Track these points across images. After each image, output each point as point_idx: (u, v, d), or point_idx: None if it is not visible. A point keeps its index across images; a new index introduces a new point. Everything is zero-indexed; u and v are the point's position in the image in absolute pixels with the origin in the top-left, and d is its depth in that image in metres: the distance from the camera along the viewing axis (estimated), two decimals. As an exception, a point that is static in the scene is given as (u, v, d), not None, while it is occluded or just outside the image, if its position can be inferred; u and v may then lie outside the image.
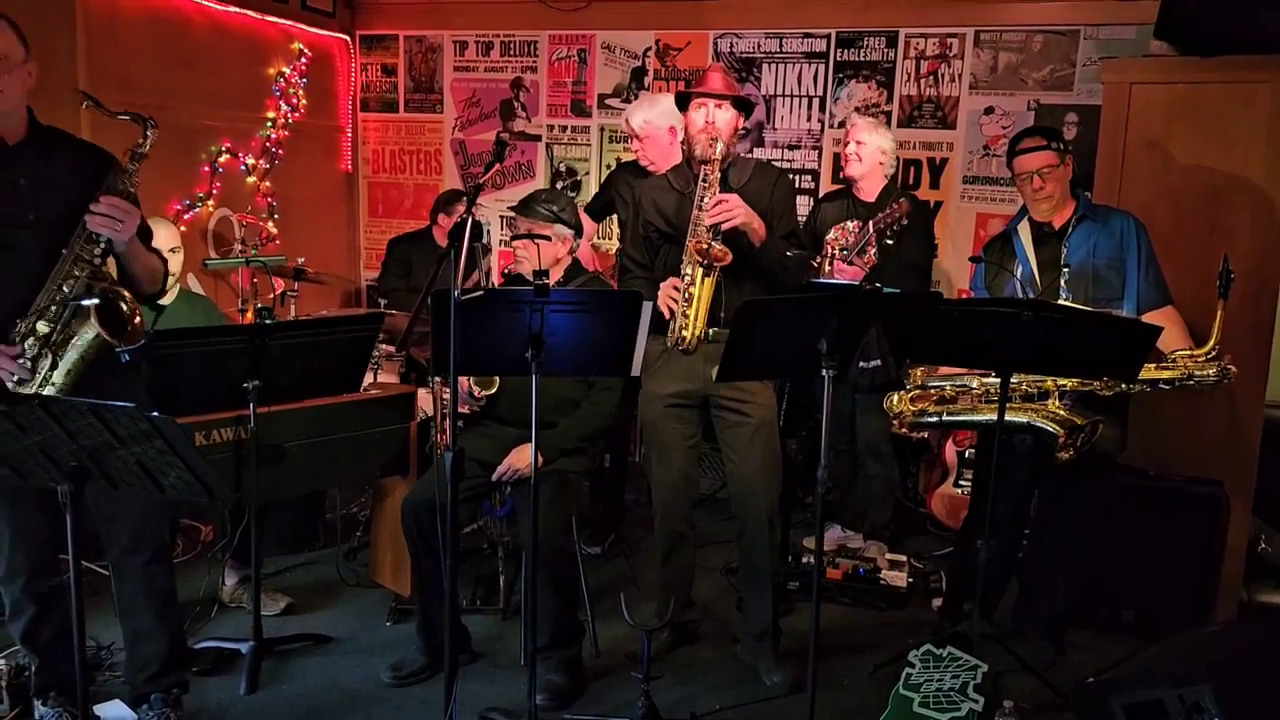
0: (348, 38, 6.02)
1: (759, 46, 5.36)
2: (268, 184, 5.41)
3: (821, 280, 4.07)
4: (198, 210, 4.96)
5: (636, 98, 5.34)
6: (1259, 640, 2.80)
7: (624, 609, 2.99)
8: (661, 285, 3.19)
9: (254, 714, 3.11)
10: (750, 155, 5.12)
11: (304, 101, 5.60)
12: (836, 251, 4.16)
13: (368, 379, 3.82)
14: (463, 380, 3.28)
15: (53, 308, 2.53)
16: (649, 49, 5.56)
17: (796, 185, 5.20)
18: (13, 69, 2.51)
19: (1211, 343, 3.08)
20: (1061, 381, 3.15)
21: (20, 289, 2.54)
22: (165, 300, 3.62)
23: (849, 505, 4.60)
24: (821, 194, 5.11)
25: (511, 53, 5.84)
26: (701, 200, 3.10)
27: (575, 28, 5.66)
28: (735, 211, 3.04)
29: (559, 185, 5.80)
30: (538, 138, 5.85)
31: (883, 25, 5.12)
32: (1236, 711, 2.40)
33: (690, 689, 3.30)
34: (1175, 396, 3.24)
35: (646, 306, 2.66)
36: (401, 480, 3.75)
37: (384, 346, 4.23)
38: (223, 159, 5.10)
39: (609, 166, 5.55)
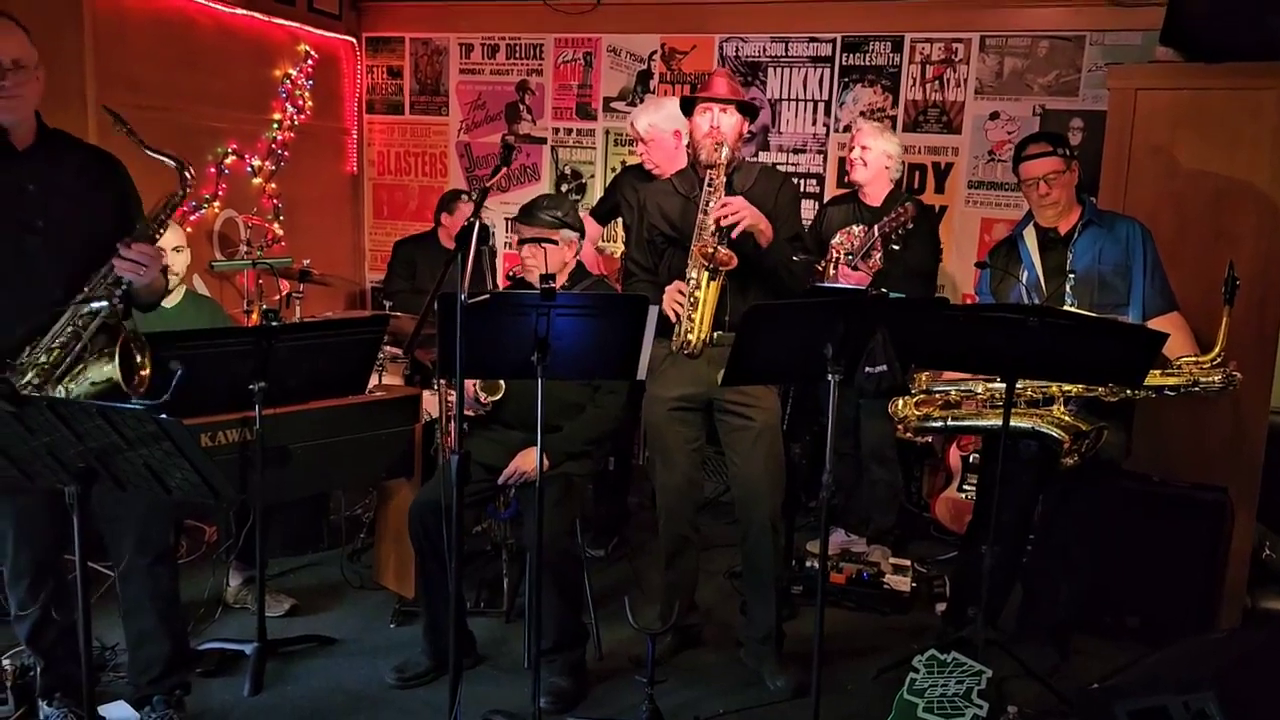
0: (354, 40, 6.03)
1: (764, 50, 5.36)
2: (273, 185, 5.42)
3: (826, 285, 4.08)
4: (203, 211, 4.97)
5: (642, 101, 5.36)
6: (1264, 647, 2.80)
7: (628, 612, 2.99)
8: (667, 289, 3.19)
9: (258, 715, 3.11)
10: (755, 159, 5.12)
11: (310, 103, 5.61)
12: (841, 256, 4.17)
13: (372, 381, 3.82)
14: (468, 385, 3.29)
15: (61, 340, 2.53)
16: (654, 52, 5.57)
17: (801, 189, 5.21)
18: (30, 74, 2.52)
19: (1217, 349, 3.08)
20: (1066, 387, 3.14)
21: (30, 295, 2.54)
22: (170, 302, 3.62)
23: (853, 509, 4.60)
24: (827, 198, 5.11)
25: (517, 55, 5.85)
26: (707, 204, 3.11)
27: (581, 31, 5.67)
28: (742, 214, 3.04)
29: (564, 188, 5.81)
30: (543, 140, 5.86)
31: (888, 30, 5.13)
32: (1241, 718, 2.40)
33: (694, 693, 3.30)
34: (1180, 402, 3.24)
35: (652, 311, 2.67)
36: (406, 482, 3.75)
37: (389, 348, 4.24)
38: (229, 160, 5.11)
39: (614, 170, 5.56)
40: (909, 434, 3.44)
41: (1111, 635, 3.72)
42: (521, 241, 3.33)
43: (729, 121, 3.20)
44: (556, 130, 5.83)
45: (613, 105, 5.68)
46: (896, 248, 4.02)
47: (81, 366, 2.54)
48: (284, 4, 5.45)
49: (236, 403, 3.00)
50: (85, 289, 2.55)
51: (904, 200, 4.13)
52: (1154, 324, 3.11)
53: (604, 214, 4.60)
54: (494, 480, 3.32)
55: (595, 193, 5.60)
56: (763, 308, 2.79)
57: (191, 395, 2.85)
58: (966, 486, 4.59)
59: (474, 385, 3.33)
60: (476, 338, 2.51)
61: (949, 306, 3.26)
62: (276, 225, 5.43)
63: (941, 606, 3.91)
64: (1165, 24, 3.78)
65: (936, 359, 3.20)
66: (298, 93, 5.53)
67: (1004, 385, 3.01)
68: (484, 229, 2.88)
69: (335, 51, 5.92)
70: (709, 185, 3.13)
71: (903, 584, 4.01)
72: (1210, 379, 3.07)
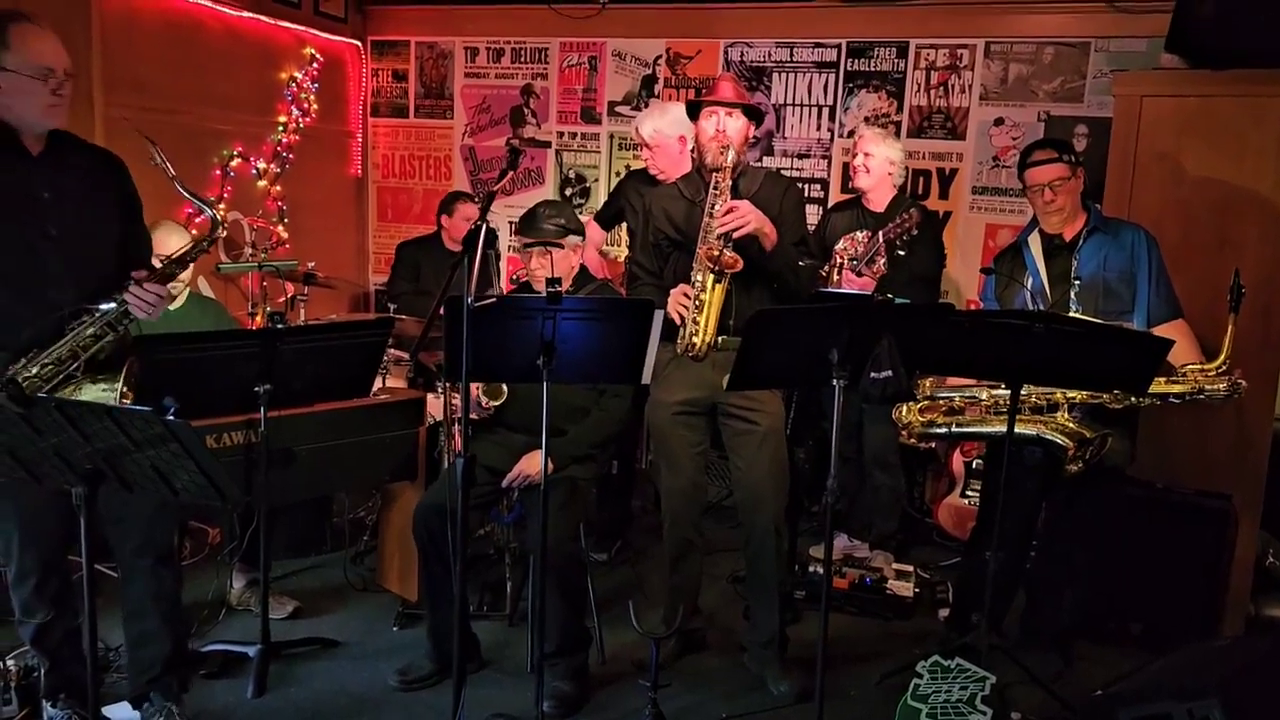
0: (359, 43, 6.04)
1: (769, 56, 5.37)
2: (278, 188, 5.43)
3: (831, 290, 4.08)
4: (208, 214, 4.97)
5: (647, 105, 5.36)
6: (1268, 655, 2.79)
7: (632, 616, 2.99)
8: (672, 292, 3.19)
9: (260, 717, 3.12)
10: (760, 164, 5.13)
11: (315, 106, 5.62)
12: (845, 261, 4.17)
13: (376, 384, 3.82)
14: (471, 389, 3.29)
15: (57, 355, 2.54)
16: (659, 57, 5.57)
17: (805, 195, 5.21)
18: (71, 82, 2.56)
19: (1222, 357, 3.08)
20: (1071, 394, 3.14)
21: (40, 300, 2.56)
22: (175, 304, 3.63)
23: (855, 515, 4.59)
24: (831, 203, 5.12)
25: (522, 59, 5.86)
26: (712, 208, 3.11)
27: (586, 35, 5.67)
28: (748, 217, 3.04)
29: (568, 192, 5.82)
30: (547, 144, 5.86)
31: (893, 36, 5.13)
32: (1245, 726, 2.40)
33: (697, 697, 3.29)
34: (1184, 409, 3.24)
35: (658, 315, 2.66)
36: (410, 485, 3.76)
37: (393, 351, 4.24)
38: (234, 163, 5.12)
39: (618, 174, 5.56)
40: (913, 440, 3.44)
41: (1115, 642, 3.72)
42: (526, 246, 3.33)
43: (734, 125, 3.21)
44: (561, 134, 5.84)
45: (617, 109, 5.69)
46: (902, 253, 4.02)
47: (73, 387, 2.55)
48: (290, 7, 5.46)
49: (241, 405, 3.01)
50: (95, 312, 2.57)
51: (908, 206, 4.14)
52: (1159, 331, 3.11)
53: (608, 218, 4.61)
54: (498, 483, 3.32)
55: (599, 197, 5.61)
56: (768, 313, 2.80)
57: (197, 397, 2.89)
58: (970, 492, 4.58)
59: (476, 389, 3.33)
60: (482, 341, 2.52)
61: (954, 313, 3.27)
62: (281, 228, 5.44)
63: (944, 612, 3.91)
64: (1170, 30, 3.78)
65: (941, 365, 3.20)
66: (303, 96, 5.54)
67: (1008, 392, 3.01)
68: (490, 233, 2.89)
69: (340, 55, 5.93)
70: (714, 189, 3.13)
71: (905, 589, 4.01)
72: (1215, 387, 3.07)
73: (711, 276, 3.08)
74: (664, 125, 3.96)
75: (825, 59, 5.27)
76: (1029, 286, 3.31)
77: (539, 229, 3.28)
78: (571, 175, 5.85)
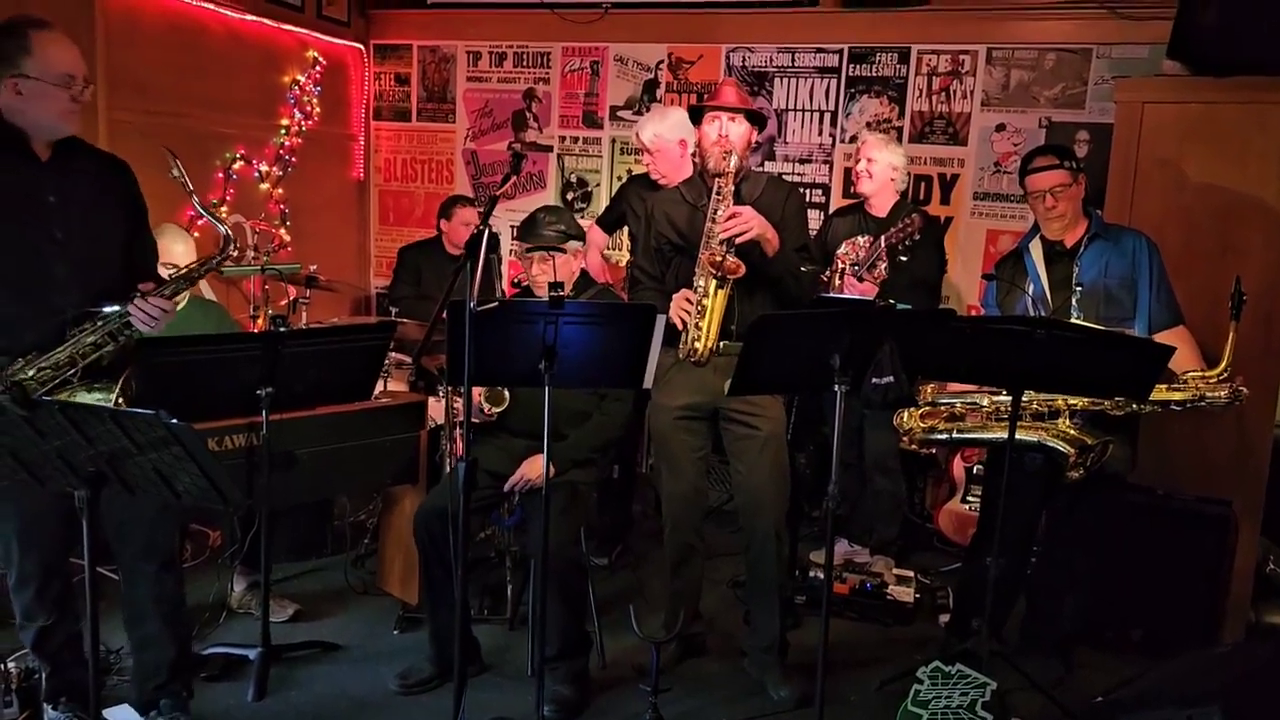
0: (362, 47, 6.05)
1: (771, 61, 5.38)
2: (280, 191, 5.44)
3: (832, 295, 4.08)
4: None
5: (648, 110, 5.37)
6: (1269, 662, 2.79)
7: (633, 621, 2.99)
8: (674, 297, 3.19)
9: (261, 721, 3.12)
10: (762, 169, 5.13)
11: (317, 109, 5.63)
12: (847, 266, 4.17)
13: (377, 387, 3.83)
14: (474, 394, 3.29)
15: (55, 360, 2.54)
16: (661, 62, 5.58)
17: (807, 200, 5.21)
18: (90, 89, 2.58)
19: (1224, 364, 3.08)
20: (1072, 400, 3.14)
21: (44, 304, 2.57)
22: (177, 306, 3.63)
23: (856, 520, 4.59)
24: (832, 209, 5.12)
25: (524, 64, 5.87)
26: (715, 213, 3.11)
27: (588, 40, 5.68)
28: (751, 223, 3.05)
29: (569, 197, 5.83)
30: (549, 149, 5.87)
31: (895, 41, 5.14)
32: (1246, 733, 2.40)
33: (697, 702, 3.30)
34: (1185, 416, 3.23)
35: (660, 320, 2.67)
36: (411, 489, 3.76)
37: (394, 355, 4.24)
38: (236, 165, 5.13)
39: (620, 178, 5.57)
40: (914, 446, 3.44)
41: (1116, 648, 3.71)
42: (527, 252, 3.33)
43: (737, 130, 3.21)
44: (563, 138, 5.85)
45: (619, 114, 5.69)
46: (903, 259, 4.03)
47: (68, 393, 2.55)
48: (292, 10, 5.47)
49: (243, 408, 3.00)
50: (98, 320, 2.57)
51: (909, 212, 4.13)
52: (1160, 338, 3.11)
53: (610, 223, 4.61)
54: (499, 487, 3.32)
55: (601, 201, 5.62)
56: (770, 318, 2.80)
57: (199, 400, 2.89)
58: (970, 498, 4.58)
59: (479, 395, 3.33)
60: (484, 346, 2.52)
61: (956, 318, 3.27)
62: (283, 231, 5.45)
63: (944, 617, 3.91)
64: (1172, 37, 3.79)
65: (942, 371, 3.20)
66: (305, 99, 5.56)
67: (1009, 398, 3.01)
68: (493, 237, 2.89)
69: (343, 58, 5.94)
70: (717, 194, 3.13)
71: (906, 595, 4.00)
72: (1217, 394, 3.07)
73: (714, 282, 3.08)
74: (664, 130, 3.96)
75: (827, 64, 5.28)
76: (1030, 293, 3.31)
77: (540, 235, 3.28)
78: (573, 180, 5.85)
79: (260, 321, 4.61)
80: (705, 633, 3.68)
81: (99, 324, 2.57)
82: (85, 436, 2.04)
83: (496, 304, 2.51)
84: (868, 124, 5.18)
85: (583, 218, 5.32)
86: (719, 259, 3.05)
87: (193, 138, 4.80)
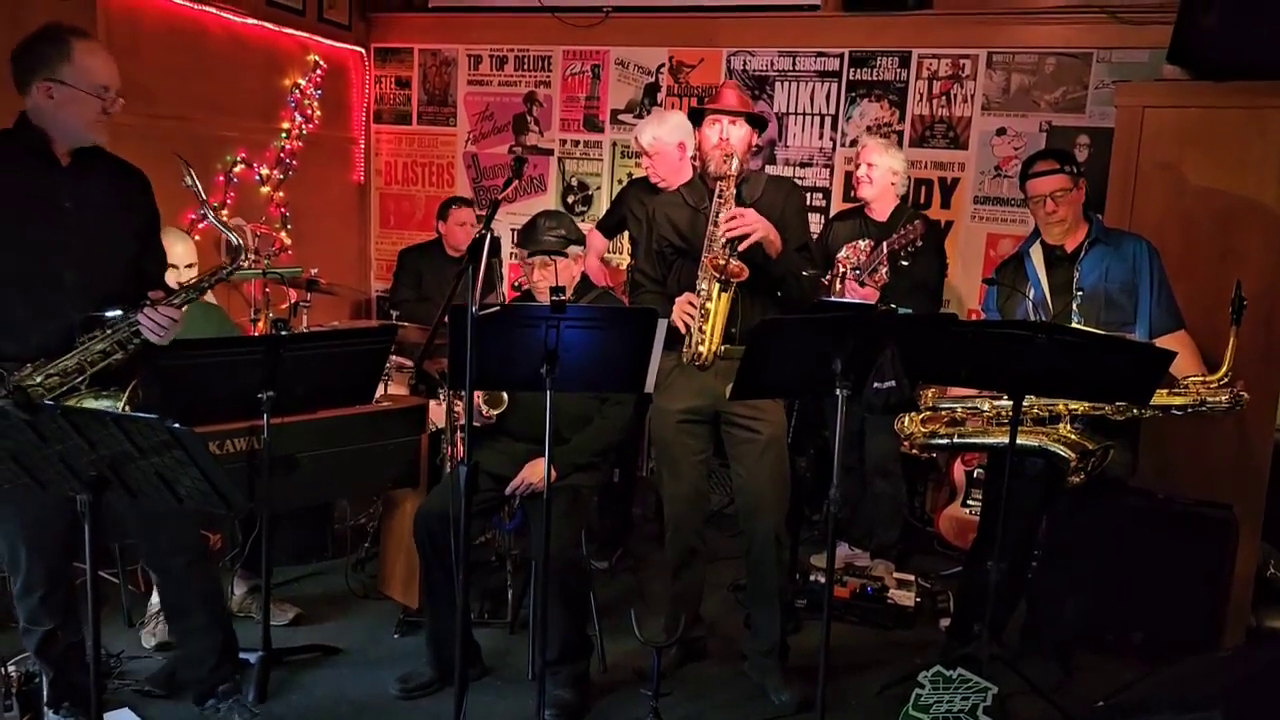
0: (363, 50, 6.06)
1: (772, 65, 5.38)
2: (281, 194, 5.44)
3: (833, 299, 4.09)
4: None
5: (649, 113, 5.37)
6: (1269, 666, 2.79)
7: (634, 624, 2.99)
8: (677, 300, 3.19)
9: (262, 724, 3.12)
10: (761, 171, 5.13)
11: (318, 113, 5.64)
12: (848, 270, 4.17)
13: (378, 391, 3.83)
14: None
15: (62, 367, 2.55)
16: (662, 65, 5.59)
17: (808, 203, 5.22)
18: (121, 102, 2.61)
19: (1224, 369, 3.08)
20: (1073, 405, 3.14)
21: (52, 309, 2.57)
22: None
23: (857, 524, 4.60)
24: (833, 213, 5.13)
25: (525, 67, 5.87)
26: (717, 216, 3.11)
27: (589, 43, 5.69)
28: (754, 226, 3.04)
29: (570, 200, 5.83)
30: (550, 152, 5.88)
31: (896, 45, 5.15)
32: (1247, 738, 2.40)
33: (698, 706, 3.30)
34: (1185, 420, 3.23)
35: (662, 324, 2.67)
36: (411, 492, 3.76)
37: (395, 358, 4.24)
38: (237, 169, 5.13)
39: (620, 182, 5.57)
40: (915, 450, 3.44)
41: (1116, 652, 3.71)
42: (531, 253, 3.33)
43: (738, 133, 3.21)
44: (564, 142, 5.85)
45: (620, 118, 5.70)
46: (905, 264, 4.03)
47: (75, 399, 2.56)
48: (294, 14, 5.47)
49: (245, 411, 3.01)
50: (107, 328, 2.58)
51: (911, 217, 4.14)
52: (1160, 343, 3.10)
53: (610, 227, 4.61)
54: (499, 491, 3.32)
55: (601, 205, 5.62)
56: (771, 322, 2.80)
57: (200, 403, 2.89)
58: (970, 502, 4.58)
59: (478, 398, 3.34)
60: (486, 350, 2.52)
61: (958, 323, 3.27)
62: (284, 234, 5.45)
63: (945, 621, 3.91)
64: (1173, 42, 3.79)
65: (943, 375, 3.20)
66: (306, 102, 5.56)
67: (1010, 403, 3.01)
68: (495, 241, 2.89)
69: (344, 62, 5.95)
70: (718, 197, 3.13)
71: (907, 599, 4.01)
72: (1217, 399, 3.07)
73: (717, 285, 3.08)
74: (663, 133, 3.97)
75: (827, 68, 5.29)
76: (1031, 297, 3.31)
77: (541, 240, 3.28)
78: (574, 183, 5.86)
79: (261, 325, 4.61)
80: (706, 636, 3.68)
81: (108, 332, 2.58)
82: (87, 440, 2.04)
83: (498, 308, 2.51)
84: (868, 128, 5.18)
85: (583, 221, 5.33)
86: (722, 262, 3.05)
87: (194, 141, 4.80)
